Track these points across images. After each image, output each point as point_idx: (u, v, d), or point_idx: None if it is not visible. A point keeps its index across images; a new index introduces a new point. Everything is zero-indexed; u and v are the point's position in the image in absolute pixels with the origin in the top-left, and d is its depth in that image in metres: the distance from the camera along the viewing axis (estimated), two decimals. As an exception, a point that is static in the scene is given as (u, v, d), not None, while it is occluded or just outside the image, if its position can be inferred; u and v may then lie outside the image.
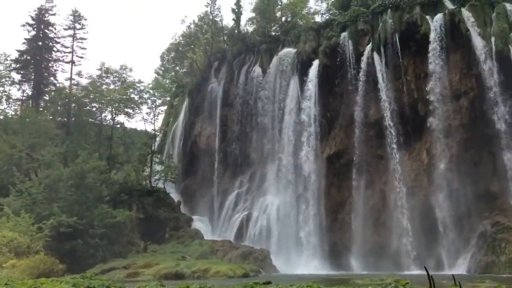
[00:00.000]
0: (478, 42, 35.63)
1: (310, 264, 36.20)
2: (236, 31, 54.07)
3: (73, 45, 50.74)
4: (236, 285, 15.15)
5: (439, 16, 38.03)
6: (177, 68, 64.52)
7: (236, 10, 53.18)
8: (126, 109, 50.14)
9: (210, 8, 55.82)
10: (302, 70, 43.72)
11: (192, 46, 59.17)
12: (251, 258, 33.78)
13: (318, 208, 38.73)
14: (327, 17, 51.16)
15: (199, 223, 42.70)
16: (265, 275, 29.41)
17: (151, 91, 57.12)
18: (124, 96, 48.82)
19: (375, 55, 40.05)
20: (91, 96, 48.45)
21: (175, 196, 45.49)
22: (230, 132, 47.85)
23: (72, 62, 50.73)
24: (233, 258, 33.74)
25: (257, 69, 47.34)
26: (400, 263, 33.54)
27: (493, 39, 35.33)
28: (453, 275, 8.51)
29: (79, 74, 51.59)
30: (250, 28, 55.57)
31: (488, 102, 34.37)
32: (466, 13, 37.44)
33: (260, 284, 14.44)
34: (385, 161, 37.64)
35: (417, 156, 36.95)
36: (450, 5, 39.64)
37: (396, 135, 37.38)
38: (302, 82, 43.11)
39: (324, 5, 56.38)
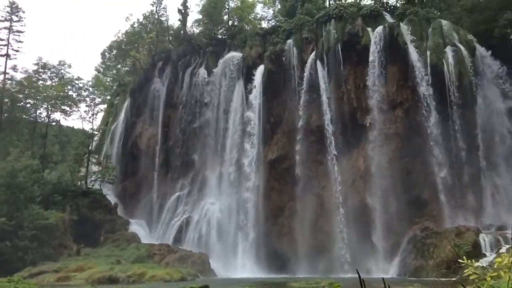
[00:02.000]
0: (414, 56, 37.41)
1: (249, 268, 36.33)
2: (182, 31, 53.50)
3: (8, 37, 48.19)
4: (171, 289, 14.87)
5: (379, 29, 39.56)
6: (119, 66, 62.91)
7: (183, 11, 52.62)
8: (63, 107, 48.49)
9: (156, 8, 55.03)
10: (248, 74, 43.94)
11: (136, 45, 58.00)
12: (189, 262, 33.36)
13: (259, 212, 38.96)
14: (273, 24, 51.93)
15: (137, 226, 41.60)
16: (203, 279, 29.22)
17: (90, 89, 55.67)
18: (62, 93, 47.19)
19: (318, 64, 41.01)
20: (26, 92, 46.29)
21: (112, 198, 44.09)
22: (172, 134, 47.06)
23: (7, 55, 48.13)
24: (171, 262, 33.20)
25: (202, 71, 47.00)
26: (336, 266, 34.41)
27: (428, 53, 37.24)
28: (383, 278, 8.78)
29: (14, 68, 49.27)
30: (197, 30, 55.25)
31: (422, 113, 36.13)
32: (404, 27, 39.23)
33: (196, 288, 14.30)
34: (325, 166, 38.53)
35: (355, 162, 38.13)
36: (390, 19, 41.40)
37: (335, 141, 38.40)
38: (247, 87, 43.33)
39: (271, 11, 57.25)
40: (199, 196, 41.95)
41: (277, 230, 39.03)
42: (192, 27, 55.59)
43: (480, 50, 37.64)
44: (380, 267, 33.11)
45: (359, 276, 7.95)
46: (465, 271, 4.52)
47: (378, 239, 34.49)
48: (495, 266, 4.41)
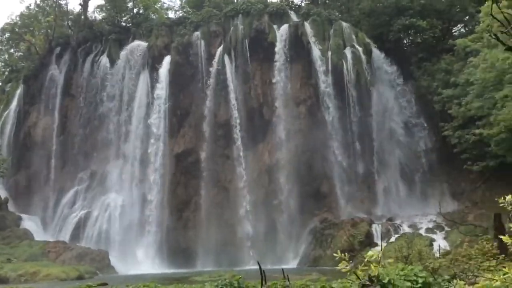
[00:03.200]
0: (316, 55, 39.08)
1: (152, 264, 35.63)
2: (82, 17, 50.50)
3: None
4: (66, 288, 14.09)
5: (284, 27, 40.74)
6: (12, 50, 57.88)
7: (84, -5, 49.71)
8: None
9: (55, -11, 51.39)
10: (153, 65, 42.73)
11: (31, 28, 53.71)
12: (87, 259, 31.94)
13: (163, 206, 38.27)
14: (181, 14, 51.03)
15: (30, 223, 38.71)
16: (102, 277, 28.14)
17: (-22, 74, 50.57)
18: None
19: (226, 58, 41.14)
20: None
21: (2, 192, 40.52)
22: (70, 125, 44.33)
23: None
24: (67, 260, 31.55)
25: (105, 60, 44.72)
26: (241, 259, 34.91)
27: (329, 53, 39.11)
28: (282, 268, 9.09)
29: None
30: (99, 16, 52.53)
31: (322, 110, 37.96)
32: (308, 27, 40.77)
33: (94, 286, 13.70)
34: (231, 160, 38.89)
35: (261, 157, 39.00)
36: (295, 18, 42.79)
37: (242, 136, 38.91)
38: (153, 78, 42.16)
39: (178, 2, 56.31)
40: (99, 190, 40.04)
41: (182, 224, 38.64)
42: (94, 13, 52.82)
43: (377, 52, 40.37)
44: (283, 258, 34.19)
45: (260, 268, 8.18)
46: (338, 265, 4.71)
47: (281, 231, 35.73)
48: (365, 260, 4.65)
